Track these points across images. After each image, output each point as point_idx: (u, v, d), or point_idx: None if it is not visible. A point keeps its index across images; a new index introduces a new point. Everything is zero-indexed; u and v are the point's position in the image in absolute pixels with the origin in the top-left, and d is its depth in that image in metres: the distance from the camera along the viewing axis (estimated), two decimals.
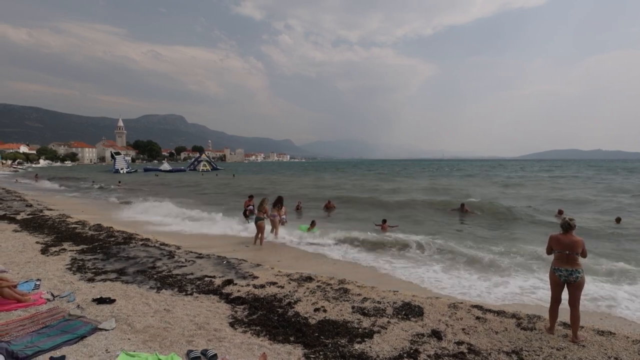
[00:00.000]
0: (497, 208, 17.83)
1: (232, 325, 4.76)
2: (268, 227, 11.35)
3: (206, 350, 3.97)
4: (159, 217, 15.27)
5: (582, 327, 4.80)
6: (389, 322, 4.98)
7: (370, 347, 4.25)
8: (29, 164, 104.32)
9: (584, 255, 4.68)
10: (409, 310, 5.37)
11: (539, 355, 4.13)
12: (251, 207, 14.46)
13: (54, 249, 8.77)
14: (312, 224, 12.51)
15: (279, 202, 12.01)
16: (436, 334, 4.60)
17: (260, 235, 10.83)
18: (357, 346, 4.25)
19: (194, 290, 6.13)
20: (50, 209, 16.51)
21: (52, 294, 5.60)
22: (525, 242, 11.01)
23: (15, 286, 5.47)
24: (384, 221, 12.93)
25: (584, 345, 4.38)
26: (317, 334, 4.52)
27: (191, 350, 3.97)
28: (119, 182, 37.63)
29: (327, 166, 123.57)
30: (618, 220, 14.42)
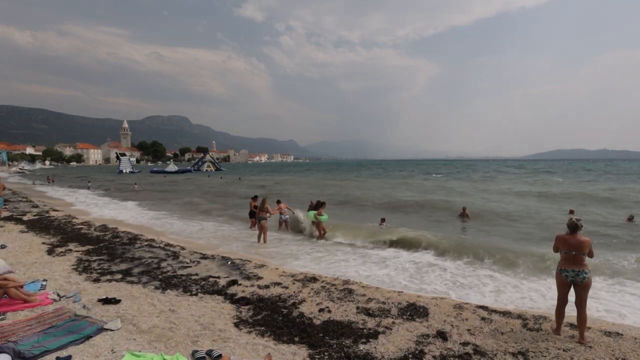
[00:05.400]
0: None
1: (236, 325, 4.77)
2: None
3: (211, 350, 3.98)
4: None
5: (589, 328, 4.76)
6: (393, 322, 4.97)
7: (375, 347, 4.24)
8: (33, 166, 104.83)
9: (590, 255, 4.63)
10: (414, 311, 5.35)
11: (545, 357, 4.10)
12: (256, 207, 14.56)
13: (60, 249, 8.84)
14: (321, 205, 11.91)
15: (320, 206, 12.00)
16: (441, 335, 4.58)
17: (263, 234, 10.87)
18: (361, 347, 4.24)
19: (199, 290, 6.15)
20: (56, 210, 16.64)
21: (58, 294, 5.64)
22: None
23: (21, 286, 5.52)
24: (383, 220, 13.27)
25: (590, 347, 4.33)
26: (321, 335, 4.52)
27: (196, 351, 3.98)
28: (135, 184, 34.95)
29: (323, 167, 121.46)
30: (631, 218, 13.94)
